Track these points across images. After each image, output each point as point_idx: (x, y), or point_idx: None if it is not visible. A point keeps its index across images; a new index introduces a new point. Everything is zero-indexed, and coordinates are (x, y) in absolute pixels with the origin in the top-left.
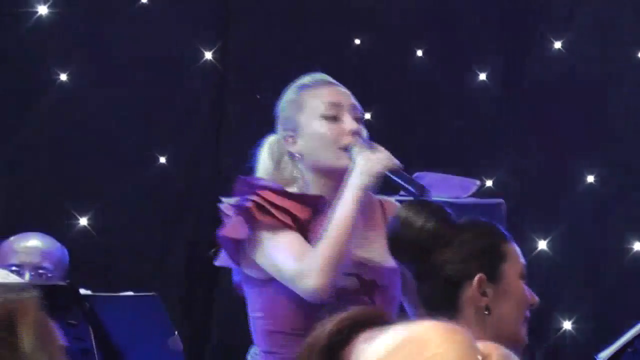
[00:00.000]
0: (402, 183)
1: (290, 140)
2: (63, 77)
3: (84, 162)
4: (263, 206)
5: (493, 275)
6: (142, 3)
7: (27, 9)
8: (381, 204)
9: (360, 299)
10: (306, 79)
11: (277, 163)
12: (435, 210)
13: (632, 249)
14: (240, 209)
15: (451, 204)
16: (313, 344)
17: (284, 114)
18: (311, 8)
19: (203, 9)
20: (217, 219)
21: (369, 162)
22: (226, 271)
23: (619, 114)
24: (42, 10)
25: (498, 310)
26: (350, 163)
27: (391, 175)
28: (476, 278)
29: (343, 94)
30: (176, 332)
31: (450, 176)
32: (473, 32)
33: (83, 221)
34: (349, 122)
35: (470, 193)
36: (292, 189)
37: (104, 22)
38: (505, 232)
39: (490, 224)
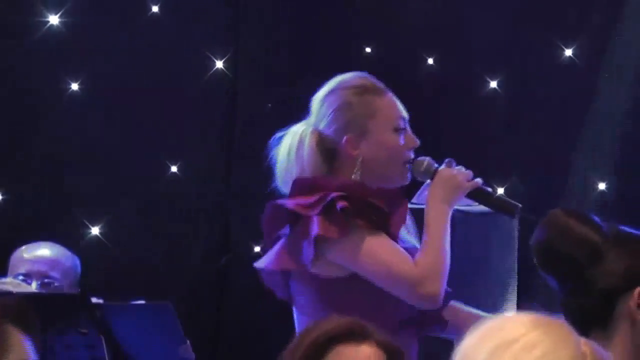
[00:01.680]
0: (487, 200)
1: (352, 141)
2: (74, 86)
3: (96, 172)
4: (356, 205)
5: None
6: (153, 12)
7: (38, 19)
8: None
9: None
10: (367, 82)
11: (327, 157)
12: (586, 220)
13: None
14: (329, 209)
15: (462, 212)
16: (294, 351)
17: (348, 113)
18: (322, 17)
19: (214, 19)
20: (228, 227)
21: (455, 179)
22: (238, 280)
23: (630, 121)
24: (54, 20)
25: None
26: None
27: (472, 193)
28: (636, 291)
29: (401, 109)
30: (188, 341)
31: None
32: (484, 39)
33: (95, 230)
34: (413, 138)
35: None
36: None
37: (115, 32)
38: None
39: (635, 234)
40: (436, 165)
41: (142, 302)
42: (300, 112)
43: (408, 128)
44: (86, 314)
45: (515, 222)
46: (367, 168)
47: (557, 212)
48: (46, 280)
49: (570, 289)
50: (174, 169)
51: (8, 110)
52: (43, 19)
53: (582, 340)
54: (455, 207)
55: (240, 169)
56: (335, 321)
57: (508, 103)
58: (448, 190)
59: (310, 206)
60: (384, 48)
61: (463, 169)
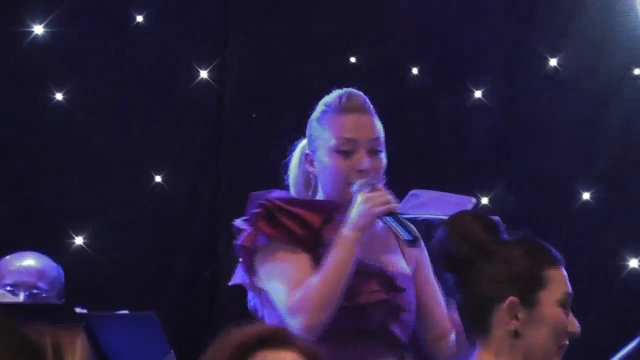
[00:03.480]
0: (395, 226)
1: (308, 158)
2: (59, 96)
3: (81, 181)
4: (272, 215)
5: (527, 300)
6: (138, 23)
7: (23, 29)
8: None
9: (380, 300)
10: (333, 98)
11: (304, 172)
12: (485, 223)
13: (627, 265)
14: (251, 220)
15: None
16: (215, 356)
17: (308, 131)
18: (307, 26)
19: (199, 28)
20: (215, 238)
21: (368, 203)
22: (225, 290)
23: (615, 131)
24: (38, 30)
25: (529, 335)
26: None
27: (387, 218)
28: (507, 301)
29: (361, 127)
30: (172, 351)
31: (446, 194)
32: (468, 49)
33: (79, 240)
34: (360, 160)
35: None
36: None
37: (99, 42)
38: (556, 256)
39: (539, 243)
40: (357, 189)
41: (126, 312)
42: (285, 121)
43: (362, 148)
44: (71, 324)
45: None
46: (320, 184)
47: (461, 213)
48: (34, 291)
49: (457, 286)
50: (158, 179)
51: None
52: (28, 29)
53: None
54: (436, 215)
55: (226, 179)
56: (258, 326)
57: (493, 113)
58: (358, 215)
59: (244, 221)
60: (369, 58)
61: (382, 193)
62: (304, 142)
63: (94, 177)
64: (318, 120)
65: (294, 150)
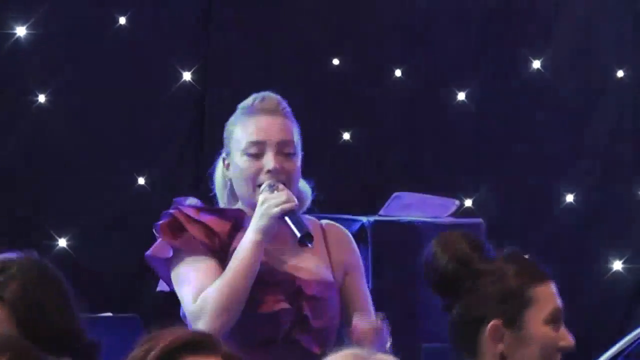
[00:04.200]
0: (291, 225)
1: (225, 162)
2: (41, 98)
3: (63, 183)
4: (178, 225)
5: (512, 322)
6: (121, 25)
7: (5, 31)
8: (322, 227)
9: (284, 309)
10: (248, 100)
11: (224, 177)
12: (471, 241)
13: (611, 267)
14: (156, 228)
15: (430, 224)
16: None
17: (225, 134)
18: (290, 29)
19: (181, 30)
20: None
21: (265, 203)
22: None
23: (599, 133)
24: (21, 31)
25: (518, 356)
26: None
27: (285, 217)
28: (489, 325)
29: (270, 128)
30: None
31: (429, 196)
32: (451, 51)
33: (62, 242)
34: (268, 161)
35: (449, 213)
36: (237, 206)
37: (82, 44)
38: (542, 271)
39: (525, 261)
40: (260, 191)
41: (110, 314)
42: None
43: (270, 150)
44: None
45: (482, 232)
46: (235, 188)
47: (449, 232)
48: None
49: (445, 306)
50: (141, 180)
51: None
52: (10, 31)
53: None
54: (419, 217)
55: (208, 181)
56: (180, 332)
57: (476, 115)
58: (258, 217)
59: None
60: (352, 60)
61: (279, 193)
62: (224, 153)
63: (77, 178)
64: (231, 123)
65: (218, 158)
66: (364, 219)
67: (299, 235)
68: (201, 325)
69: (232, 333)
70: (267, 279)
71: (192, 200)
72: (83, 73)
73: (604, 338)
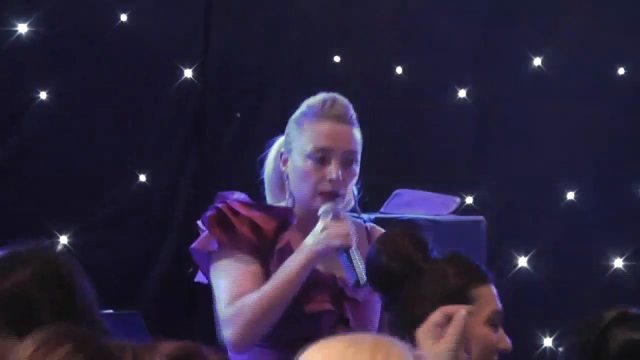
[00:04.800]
0: (347, 264)
1: (283, 157)
2: (43, 95)
3: (64, 181)
4: (226, 219)
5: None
6: (122, 22)
7: (6, 28)
8: (367, 229)
9: (328, 310)
10: (317, 102)
11: (277, 170)
12: (415, 241)
13: (612, 265)
14: (206, 223)
15: (431, 221)
16: None
17: (287, 129)
18: (290, 26)
19: (182, 28)
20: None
21: (326, 231)
22: (207, 290)
23: (599, 130)
24: (22, 28)
25: (458, 356)
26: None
27: (343, 253)
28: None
29: (338, 136)
30: None
31: (431, 193)
32: (452, 49)
33: (63, 239)
34: (332, 169)
35: (451, 210)
36: (282, 203)
37: (83, 41)
38: (484, 273)
39: (468, 262)
40: (321, 212)
41: (110, 311)
42: (268, 121)
43: (335, 158)
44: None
45: (483, 230)
46: (290, 185)
47: (392, 231)
48: None
49: (386, 305)
50: (142, 178)
51: None
52: (12, 28)
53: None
54: (420, 214)
55: (209, 178)
56: (173, 344)
57: (477, 112)
58: (316, 242)
59: (204, 223)
60: (353, 57)
61: (343, 224)
62: (281, 139)
63: (78, 176)
64: (297, 121)
65: (271, 145)
66: (365, 216)
67: (352, 280)
68: (229, 332)
69: (273, 328)
70: (313, 278)
71: (238, 195)
72: (84, 70)
73: None
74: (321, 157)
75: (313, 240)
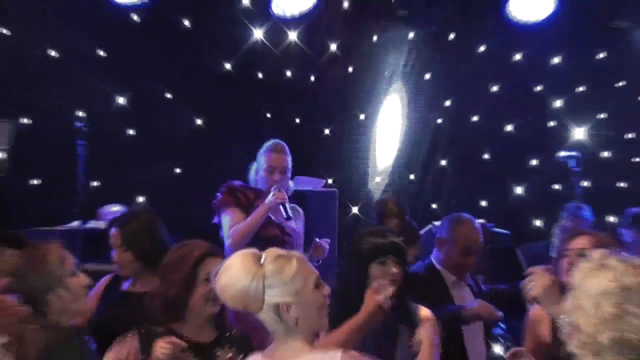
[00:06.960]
0: (284, 210)
1: (256, 169)
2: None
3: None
4: (230, 191)
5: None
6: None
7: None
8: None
9: (274, 235)
10: (268, 144)
11: (255, 175)
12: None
13: None
14: (220, 191)
15: (312, 192)
16: (179, 264)
17: (258, 157)
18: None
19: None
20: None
21: (275, 195)
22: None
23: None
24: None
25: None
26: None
27: (280, 206)
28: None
29: (278, 161)
30: None
31: (308, 178)
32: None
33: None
34: (276, 175)
35: (321, 185)
36: (259, 187)
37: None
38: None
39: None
40: (271, 190)
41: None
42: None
43: (276, 171)
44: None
45: (336, 199)
46: (259, 180)
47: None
48: None
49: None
50: (178, 170)
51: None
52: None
53: None
54: (308, 188)
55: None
56: (202, 243)
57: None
58: (269, 200)
59: (220, 193)
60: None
61: (281, 194)
62: (258, 157)
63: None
64: (261, 153)
65: (252, 164)
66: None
67: (285, 215)
68: (230, 242)
69: (249, 240)
70: (268, 219)
71: (237, 182)
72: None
73: None
74: (271, 170)
75: (267, 200)
